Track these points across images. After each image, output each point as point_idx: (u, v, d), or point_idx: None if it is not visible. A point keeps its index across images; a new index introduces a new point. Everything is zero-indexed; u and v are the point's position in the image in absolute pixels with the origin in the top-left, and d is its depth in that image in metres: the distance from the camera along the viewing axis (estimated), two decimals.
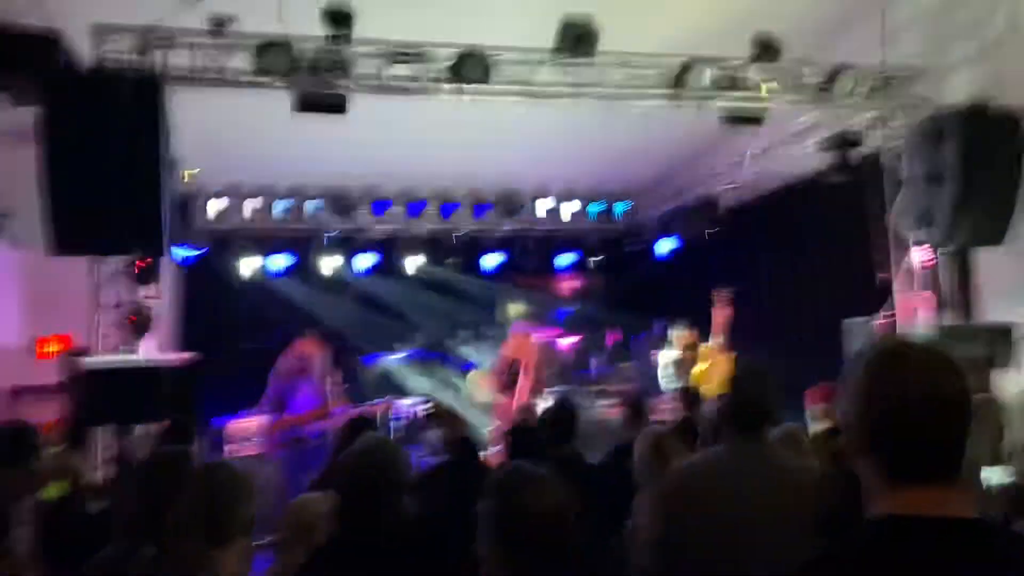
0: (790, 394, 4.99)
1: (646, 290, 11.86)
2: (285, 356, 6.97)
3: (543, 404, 5.43)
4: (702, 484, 2.63)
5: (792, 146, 8.43)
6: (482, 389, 9.13)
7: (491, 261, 11.74)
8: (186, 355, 6.05)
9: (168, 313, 9.45)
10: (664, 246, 11.52)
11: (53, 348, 8.16)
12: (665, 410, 7.24)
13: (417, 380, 10.82)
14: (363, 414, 6.89)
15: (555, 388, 9.04)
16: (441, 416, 3.10)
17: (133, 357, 6.25)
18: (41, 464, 3.56)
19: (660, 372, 8.73)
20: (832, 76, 6.86)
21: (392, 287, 11.57)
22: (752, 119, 7.03)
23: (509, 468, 1.94)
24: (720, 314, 8.04)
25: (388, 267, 11.39)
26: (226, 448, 8.43)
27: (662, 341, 9.08)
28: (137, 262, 6.53)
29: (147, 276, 6.65)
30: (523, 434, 3.81)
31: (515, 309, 12.19)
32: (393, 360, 11.02)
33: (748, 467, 2.59)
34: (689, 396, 5.79)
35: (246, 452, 8.34)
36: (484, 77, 6.24)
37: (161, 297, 7.09)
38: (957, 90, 6.80)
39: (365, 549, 2.41)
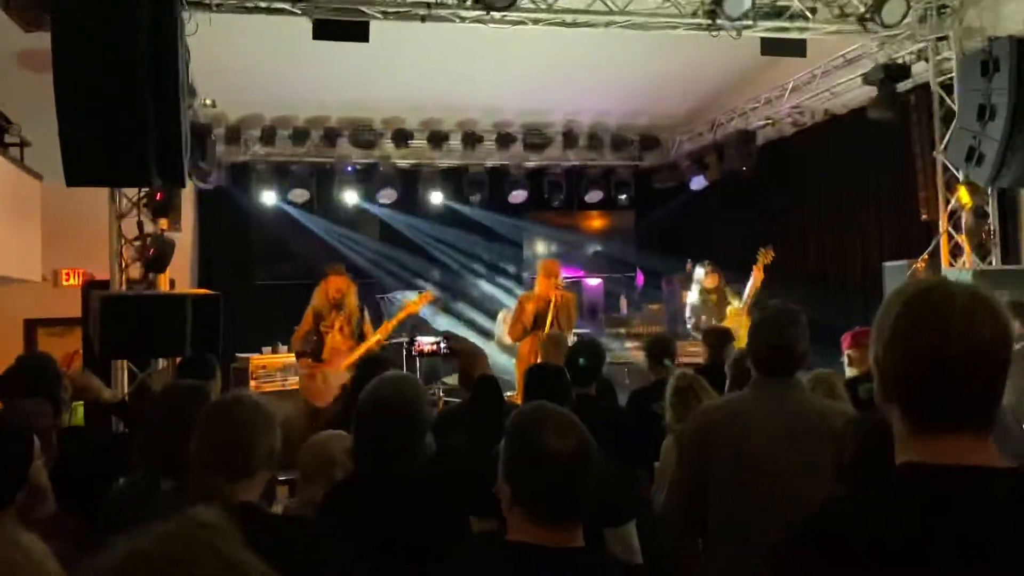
0: (828, 337, 4.86)
1: (678, 228, 11.63)
2: (319, 291, 6.87)
3: (569, 344, 5.31)
4: (730, 426, 2.62)
5: (835, 78, 8.14)
6: (507, 329, 9.03)
7: (517, 197, 11.48)
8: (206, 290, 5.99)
9: (187, 245, 9.41)
10: (697, 183, 11.23)
11: (74, 280, 8.18)
12: (693, 352, 7.12)
13: (439, 317, 10.73)
14: (385, 351, 6.81)
15: (582, 329, 8.92)
16: (461, 353, 2.99)
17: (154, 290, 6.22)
18: (65, 393, 3.55)
19: (688, 313, 8.58)
20: (879, 4, 6.54)
21: (414, 221, 11.41)
22: (794, 49, 6.73)
23: (530, 407, 1.90)
24: (758, 275, 7.76)
25: (410, 201, 11.20)
26: (251, 383, 8.48)
27: (691, 281, 8.90)
28: (157, 194, 6.44)
29: (166, 208, 6.57)
30: (546, 374, 3.72)
31: (542, 247, 12.03)
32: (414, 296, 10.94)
33: (777, 410, 2.58)
34: (716, 338, 5.64)
35: (270, 388, 8.38)
36: (511, 2, 5.99)
37: (180, 229, 7.02)
38: (1012, 20, 6.48)
39: (384, 487, 2.41)
